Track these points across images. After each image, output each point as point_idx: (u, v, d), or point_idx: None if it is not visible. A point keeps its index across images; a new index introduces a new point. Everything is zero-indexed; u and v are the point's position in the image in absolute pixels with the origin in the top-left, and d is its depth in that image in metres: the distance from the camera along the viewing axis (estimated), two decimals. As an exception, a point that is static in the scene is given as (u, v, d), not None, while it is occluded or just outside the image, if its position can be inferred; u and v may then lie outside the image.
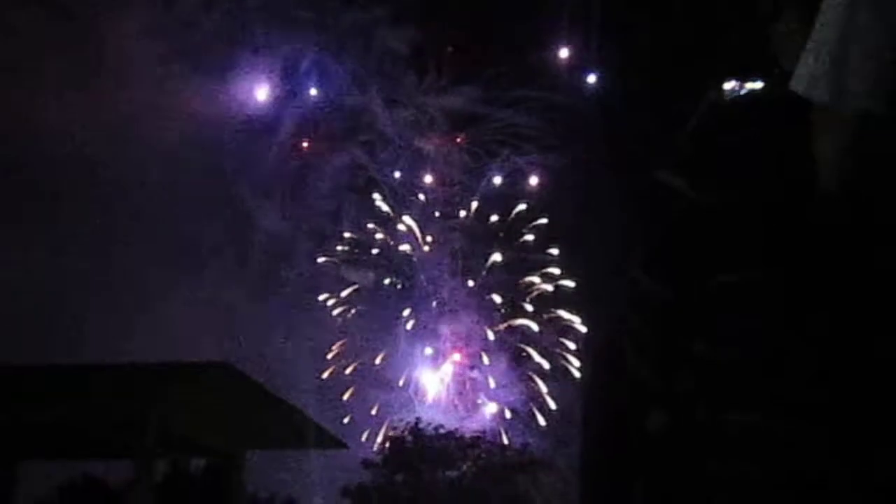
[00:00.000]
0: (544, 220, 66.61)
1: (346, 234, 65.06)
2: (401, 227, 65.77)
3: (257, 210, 59.90)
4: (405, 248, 65.88)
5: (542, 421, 62.82)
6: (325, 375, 62.76)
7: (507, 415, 62.26)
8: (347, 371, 63.07)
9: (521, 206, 66.88)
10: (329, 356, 63.35)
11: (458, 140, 65.44)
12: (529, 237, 65.45)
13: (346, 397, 61.82)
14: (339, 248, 65.57)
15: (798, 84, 1.42)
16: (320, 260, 64.94)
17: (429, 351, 64.61)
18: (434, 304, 65.15)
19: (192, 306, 57.43)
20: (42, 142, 53.77)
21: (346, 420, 58.45)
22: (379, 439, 45.89)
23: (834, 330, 1.59)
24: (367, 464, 39.51)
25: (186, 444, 23.60)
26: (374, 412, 59.84)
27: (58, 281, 52.47)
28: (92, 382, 19.62)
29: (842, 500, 1.55)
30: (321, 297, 64.72)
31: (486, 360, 64.19)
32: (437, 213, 66.47)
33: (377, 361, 63.36)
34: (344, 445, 31.81)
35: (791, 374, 1.62)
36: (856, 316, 1.56)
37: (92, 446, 23.78)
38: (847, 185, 1.45)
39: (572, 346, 63.48)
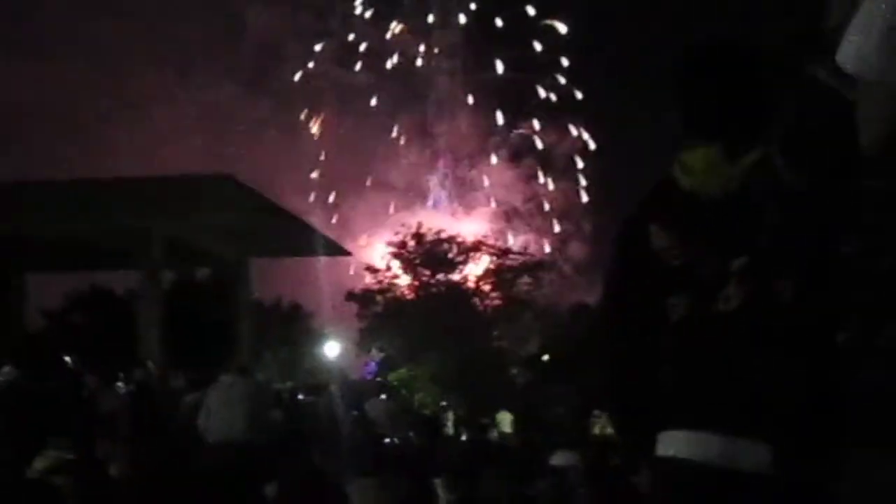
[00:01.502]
0: (558, 25, 64.74)
1: (336, 36, 63.70)
2: (393, 28, 64.39)
3: (242, 4, 58.53)
4: (399, 49, 64.65)
5: (541, 221, 63.29)
6: (315, 175, 62.51)
7: (508, 216, 62.69)
8: (343, 176, 62.93)
9: (530, 8, 65.01)
10: (323, 160, 63.06)
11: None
12: (537, 44, 64.02)
13: (343, 202, 61.97)
14: (329, 49, 64.32)
15: (845, 59, 1.46)
16: (311, 64, 63.80)
17: (426, 154, 64.40)
18: (432, 105, 64.50)
19: (183, 108, 56.78)
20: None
21: (346, 225, 58.84)
22: (381, 244, 46.10)
23: None
24: (370, 269, 40.03)
25: (191, 253, 23.80)
26: (374, 217, 60.13)
27: (45, 90, 51.69)
28: (97, 196, 19.62)
29: None
30: (307, 109, 63.90)
31: (485, 161, 64.13)
32: (431, 15, 64.99)
33: (374, 165, 63.24)
34: (346, 252, 32.14)
35: None
36: None
37: (98, 258, 24.00)
38: (890, 154, 1.50)
39: (573, 147, 63.31)
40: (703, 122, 2.50)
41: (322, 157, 62.81)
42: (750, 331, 2.39)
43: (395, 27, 63.77)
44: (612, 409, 2.82)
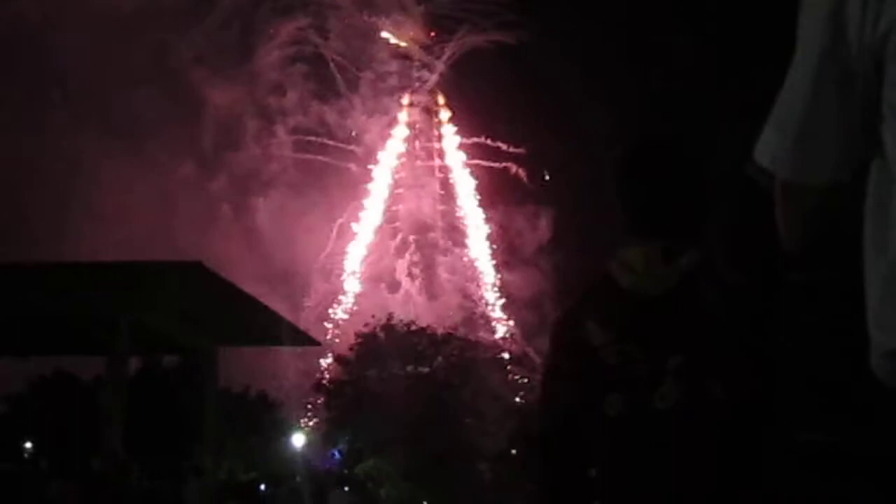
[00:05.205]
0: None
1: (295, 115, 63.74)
2: (352, 105, 64.60)
3: (200, 81, 58.62)
4: (356, 126, 64.69)
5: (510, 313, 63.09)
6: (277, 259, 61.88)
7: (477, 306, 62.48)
8: (306, 261, 62.26)
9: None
10: (285, 246, 62.53)
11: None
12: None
13: (309, 288, 61.47)
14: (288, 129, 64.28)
15: (762, 157, 1.51)
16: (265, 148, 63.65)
17: (394, 241, 64.04)
18: (395, 189, 64.36)
19: (136, 188, 56.39)
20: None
21: (312, 312, 58.32)
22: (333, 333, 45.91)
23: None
24: (339, 360, 39.77)
25: (159, 340, 23.62)
26: (341, 305, 59.76)
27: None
28: (65, 280, 19.49)
29: None
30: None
31: (452, 249, 64.06)
32: (391, 90, 65.45)
33: (338, 248, 62.87)
34: (316, 342, 31.97)
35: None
36: None
37: (65, 343, 23.77)
38: (805, 250, 1.56)
39: (540, 237, 63.41)
40: (642, 222, 2.56)
41: (282, 241, 62.26)
42: (684, 429, 2.43)
43: (357, 98, 64.05)
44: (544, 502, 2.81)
